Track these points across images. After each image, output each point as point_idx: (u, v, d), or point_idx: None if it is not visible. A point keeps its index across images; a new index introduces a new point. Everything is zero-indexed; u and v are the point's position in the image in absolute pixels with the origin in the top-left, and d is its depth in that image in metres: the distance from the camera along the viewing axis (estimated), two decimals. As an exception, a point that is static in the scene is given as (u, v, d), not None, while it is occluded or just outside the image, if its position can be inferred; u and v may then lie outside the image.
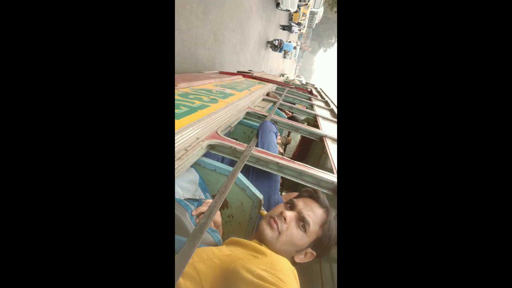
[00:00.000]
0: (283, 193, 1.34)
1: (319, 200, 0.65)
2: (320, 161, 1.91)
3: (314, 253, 0.62)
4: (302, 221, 0.60)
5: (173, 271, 0.33)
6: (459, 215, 0.28)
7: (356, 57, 0.35)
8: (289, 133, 2.40)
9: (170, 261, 0.32)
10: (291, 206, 0.64)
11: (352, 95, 0.35)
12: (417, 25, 0.32)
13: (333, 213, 0.63)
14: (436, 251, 0.28)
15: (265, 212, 0.83)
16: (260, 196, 0.80)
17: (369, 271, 0.30)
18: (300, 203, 0.64)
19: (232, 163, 0.94)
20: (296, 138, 2.53)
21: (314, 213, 0.62)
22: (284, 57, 9.46)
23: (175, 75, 1.61)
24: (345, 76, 0.36)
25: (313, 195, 0.66)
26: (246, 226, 0.87)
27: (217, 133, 0.82)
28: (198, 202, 0.69)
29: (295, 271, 0.50)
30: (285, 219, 0.60)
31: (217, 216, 0.71)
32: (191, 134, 0.74)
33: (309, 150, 2.24)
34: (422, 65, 0.32)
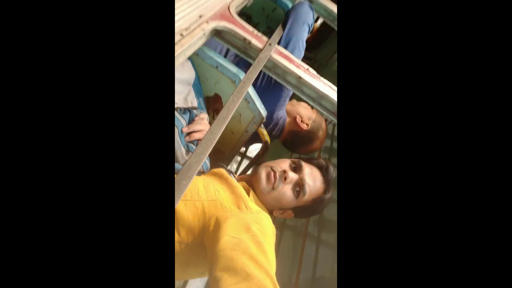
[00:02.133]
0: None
1: (326, 176, 0.63)
2: (332, 58, 1.65)
3: (293, 214, 0.63)
4: (299, 188, 0.59)
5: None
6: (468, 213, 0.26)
7: None
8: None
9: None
10: (296, 167, 0.61)
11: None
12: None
13: (330, 194, 0.63)
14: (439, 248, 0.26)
15: (263, 131, 0.74)
16: (264, 113, 0.67)
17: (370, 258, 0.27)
18: (307, 170, 0.61)
19: (238, 59, 0.74)
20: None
21: (315, 185, 0.60)
22: None
23: None
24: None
25: (322, 168, 0.63)
26: (239, 137, 0.78)
27: (229, 11, 0.58)
28: (190, 114, 0.55)
29: (274, 229, 0.52)
30: (285, 179, 0.58)
31: (206, 125, 0.61)
32: (191, 8, 0.50)
33: (326, 39, 1.86)
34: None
